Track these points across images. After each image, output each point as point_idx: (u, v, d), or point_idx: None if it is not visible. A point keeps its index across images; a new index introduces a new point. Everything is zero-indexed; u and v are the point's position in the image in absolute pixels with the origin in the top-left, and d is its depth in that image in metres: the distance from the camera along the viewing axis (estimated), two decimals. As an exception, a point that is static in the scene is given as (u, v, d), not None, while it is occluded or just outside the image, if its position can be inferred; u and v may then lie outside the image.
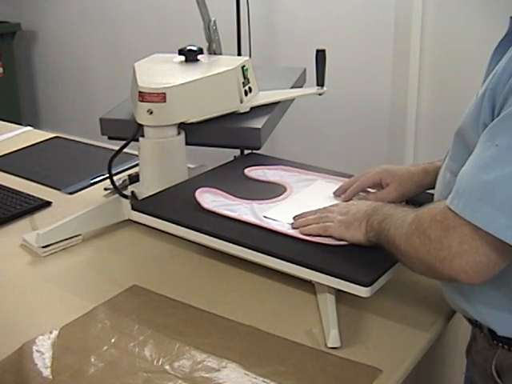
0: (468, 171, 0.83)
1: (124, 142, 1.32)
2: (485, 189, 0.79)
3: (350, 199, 1.21)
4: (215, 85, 1.39)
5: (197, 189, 1.25)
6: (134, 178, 1.42)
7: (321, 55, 1.48)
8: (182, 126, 1.36)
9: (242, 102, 1.43)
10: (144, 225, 1.24)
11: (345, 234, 1.06)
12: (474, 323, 0.98)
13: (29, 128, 2.11)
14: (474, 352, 1.01)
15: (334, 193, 1.26)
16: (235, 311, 1.09)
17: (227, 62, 1.46)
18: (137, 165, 1.42)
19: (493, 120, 0.83)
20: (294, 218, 1.15)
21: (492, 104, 0.84)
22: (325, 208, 1.14)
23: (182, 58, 1.48)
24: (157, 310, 1.10)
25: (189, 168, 1.41)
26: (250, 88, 1.47)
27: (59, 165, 1.79)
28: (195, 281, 1.20)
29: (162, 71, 1.43)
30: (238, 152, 1.66)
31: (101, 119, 1.45)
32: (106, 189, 1.56)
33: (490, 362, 0.95)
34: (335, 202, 1.23)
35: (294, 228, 1.13)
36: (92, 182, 1.64)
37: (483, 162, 0.81)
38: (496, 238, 0.78)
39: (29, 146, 1.91)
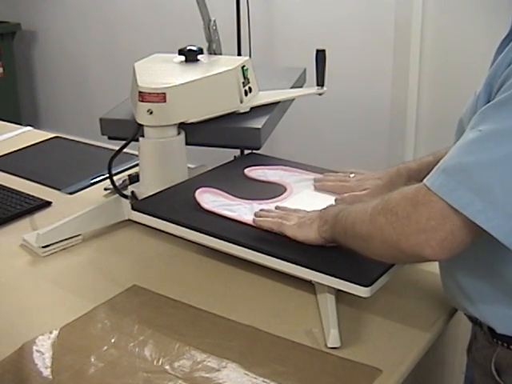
0: (450, 153, 0.83)
1: (124, 142, 1.32)
2: (464, 171, 0.79)
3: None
4: (215, 85, 1.39)
5: (197, 189, 1.25)
6: (134, 178, 1.42)
7: (321, 55, 1.48)
8: (181, 126, 1.36)
9: (242, 101, 1.43)
10: (144, 225, 1.24)
11: (297, 233, 1.08)
12: (475, 321, 0.98)
13: (29, 128, 2.11)
14: (475, 350, 1.02)
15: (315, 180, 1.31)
16: (235, 311, 1.09)
17: (227, 62, 1.46)
18: (137, 165, 1.42)
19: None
20: (256, 212, 1.17)
21: (488, 98, 0.85)
22: (291, 209, 1.17)
23: (182, 57, 1.48)
24: (157, 309, 1.10)
25: (189, 168, 1.41)
26: (250, 88, 1.47)
27: (59, 165, 1.79)
28: (195, 281, 1.20)
29: (162, 71, 1.43)
30: (238, 152, 1.66)
31: (101, 119, 1.45)
32: (106, 189, 1.56)
33: (490, 360, 0.95)
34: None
35: (254, 218, 1.15)
36: (92, 181, 1.64)
37: (465, 145, 0.81)
38: (468, 218, 0.78)
39: (29, 146, 1.91)
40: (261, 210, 1.18)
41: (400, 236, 0.84)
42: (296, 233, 1.08)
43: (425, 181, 0.83)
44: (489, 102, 0.84)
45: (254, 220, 1.14)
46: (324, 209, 1.07)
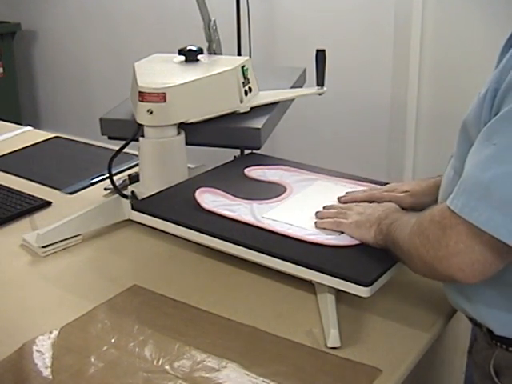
0: (467, 171, 0.83)
1: (124, 142, 1.32)
2: (482, 187, 0.79)
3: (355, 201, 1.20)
4: (215, 85, 1.39)
5: (197, 189, 1.25)
6: (134, 178, 1.42)
7: (321, 55, 1.48)
8: (181, 126, 1.36)
9: (242, 101, 1.43)
10: (144, 225, 1.24)
11: (355, 232, 1.08)
12: (475, 322, 0.98)
13: (29, 128, 2.11)
14: (475, 351, 1.02)
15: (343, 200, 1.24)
16: (235, 311, 1.09)
17: (227, 62, 1.46)
18: (137, 165, 1.42)
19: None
20: (316, 212, 1.17)
21: (492, 103, 0.84)
22: (347, 205, 1.17)
23: (182, 58, 1.48)
24: (157, 309, 1.10)
25: (189, 168, 1.41)
26: (250, 88, 1.47)
27: (59, 165, 1.79)
28: (195, 281, 1.20)
29: (162, 71, 1.43)
30: (238, 152, 1.66)
31: (101, 119, 1.45)
32: (106, 189, 1.56)
33: (489, 362, 0.95)
34: (335, 202, 1.24)
35: (316, 220, 1.15)
36: (92, 181, 1.64)
37: (481, 161, 0.81)
38: (492, 236, 0.78)
39: (29, 146, 1.91)
40: (323, 208, 1.18)
41: (434, 259, 0.85)
42: (354, 232, 1.08)
43: (448, 203, 0.83)
44: (493, 105, 0.83)
45: (315, 223, 1.14)
46: (384, 212, 1.06)
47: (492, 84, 0.85)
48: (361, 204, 1.16)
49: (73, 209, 1.39)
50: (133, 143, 1.32)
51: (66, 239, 1.32)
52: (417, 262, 0.90)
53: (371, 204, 1.15)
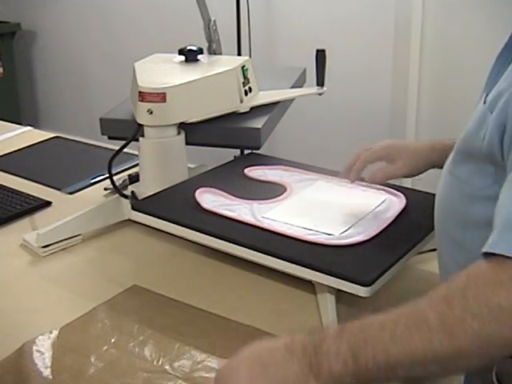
0: (503, 211, 0.71)
1: (124, 142, 1.32)
2: None
3: (358, 179, 1.17)
4: (215, 85, 1.39)
5: (197, 189, 1.25)
6: (133, 178, 1.42)
7: (321, 55, 1.48)
8: (181, 126, 1.36)
9: (242, 101, 1.43)
10: (144, 225, 1.24)
11: None
12: None
13: (29, 128, 2.10)
14: None
15: (339, 176, 1.21)
16: (235, 311, 1.09)
17: (227, 62, 1.46)
18: (137, 165, 1.42)
19: (502, 139, 0.78)
20: None
21: (501, 125, 0.78)
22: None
23: (182, 57, 1.48)
24: (157, 309, 1.10)
25: (189, 168, 1.41)
26: (250, 88, 1.47)
27: (59, 165, 1.79)
28: (195, 281, 1.20)
29: (162, 71, 1.43)
30: (238, 152, 1.66)
31: (101, 119, 1.45)
32: (106, 189, 1.56)
33: (491, 369, 0.95)
34: (335, 202, 1.24)
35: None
36: (92, 181, 1.64)
37: None
38: None
39: (29, 146, 1.91)
40: None
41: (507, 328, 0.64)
42: None
43: (491, 250, 0.68)
44: (503, 130, 0.77)
45: None
46: (307, 342, 0.71)
47: (500, 102, 0.79)
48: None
49: (73, 209, 1.39)
50: (133, 143, 1.32)
51: (65, 239, 1.32)
52: (493, 350, 0.66)
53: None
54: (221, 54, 1.65)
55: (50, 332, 1.03)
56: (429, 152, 1.13)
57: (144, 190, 1.34)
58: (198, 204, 1.21)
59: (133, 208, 1.23)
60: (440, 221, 0.96)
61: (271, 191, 1.29)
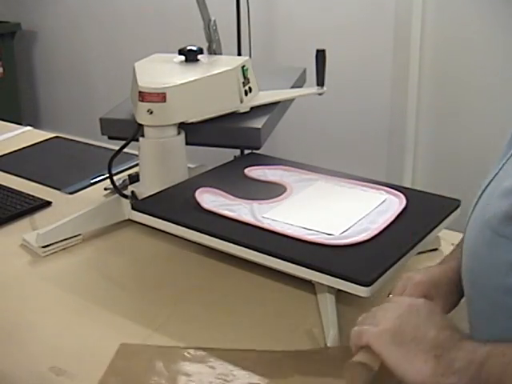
0: None
1: (124, 142, 1.32)
2: None
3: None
4: (215, 85, 1.39)
5: (197, 189, 1.25)
6: (133, 178, 1.42)
7: (321, 55, 1.48)
8: (181, 126, 1.36)
9: (242, 101, 1.43)
10: (144, 225, 1.24)
11: (390, 353, 0.76)
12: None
13: (29, 128, 2.11)
14: None
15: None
16: (235, 311, 1.09)
17: (227, 62, 1.46)
18: (137, 165, 1.42)
19: None
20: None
21: None
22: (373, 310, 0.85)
23: (182, 57, 1.48)
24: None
25: (189, 168, 1.41)
26: (250, 88, 1.47)
27: (59, 165, 1.79)
28: (195, 281, 1.20)
29: (162, 71, 1.43)
30: (238, 152, 1.66)
31: (101, 119, 1.45)
32: (106, 189, 1.56)
33: None
34: (335, 202, 1.24)
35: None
36: (92, 181, 1.64)
37: None
38: None
39: (29, 146, 1.91)
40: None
41: None
42: (388, 352, 0.76)
43: None
44: None
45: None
46: (443, 335, 0.75)
47: None
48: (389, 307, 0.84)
49: (73, 209, 1.39)
50: (133, 143, 1.32)
51: (65, 239, 1.32)
52: None
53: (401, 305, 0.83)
54: (221, 53, 1.65)
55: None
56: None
57: (144, 190, 1.34)
58: (198, 204, 1.21)
59: (133, 208, 1.23)
60: (472, 278, 0.87)
61: (271, 191, 1.29)
